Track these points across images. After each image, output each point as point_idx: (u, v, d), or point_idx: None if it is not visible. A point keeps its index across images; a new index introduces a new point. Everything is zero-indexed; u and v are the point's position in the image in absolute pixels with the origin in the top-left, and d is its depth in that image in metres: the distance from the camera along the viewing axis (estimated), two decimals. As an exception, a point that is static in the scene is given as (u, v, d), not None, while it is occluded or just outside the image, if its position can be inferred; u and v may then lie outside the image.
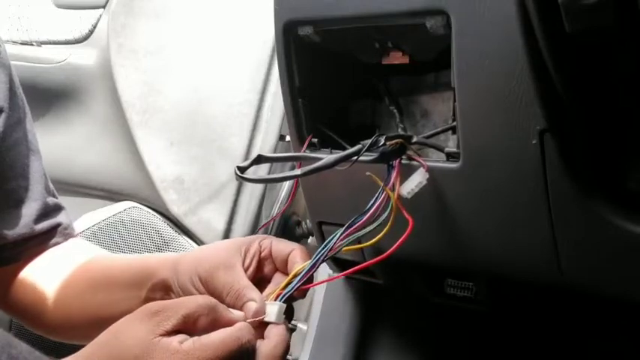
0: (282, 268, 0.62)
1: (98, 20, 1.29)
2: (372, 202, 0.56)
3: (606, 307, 0.74)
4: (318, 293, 0.93)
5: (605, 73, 0.52)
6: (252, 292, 0.57)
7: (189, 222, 1.19)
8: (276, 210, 1.17)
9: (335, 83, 0.73)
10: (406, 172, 0.59)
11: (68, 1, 1.32)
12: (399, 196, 0.57)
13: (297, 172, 0.56)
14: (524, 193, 0.57)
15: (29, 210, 0.72)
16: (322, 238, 0.78)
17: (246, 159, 1.16)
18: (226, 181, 1.18)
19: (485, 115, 0.57)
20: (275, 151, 1.16)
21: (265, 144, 1.16)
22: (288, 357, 1.10)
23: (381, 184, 0.57)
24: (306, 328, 0.95)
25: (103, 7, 1.29)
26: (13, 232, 0.71)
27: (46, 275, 0.74)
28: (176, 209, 1.19)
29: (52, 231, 0.75)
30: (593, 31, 0.46)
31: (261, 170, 1.07)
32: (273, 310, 0.56)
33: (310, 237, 1.14)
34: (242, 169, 0.58)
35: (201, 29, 1.21)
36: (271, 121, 1.17)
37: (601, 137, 0.55)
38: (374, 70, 0.72)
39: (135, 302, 0.65)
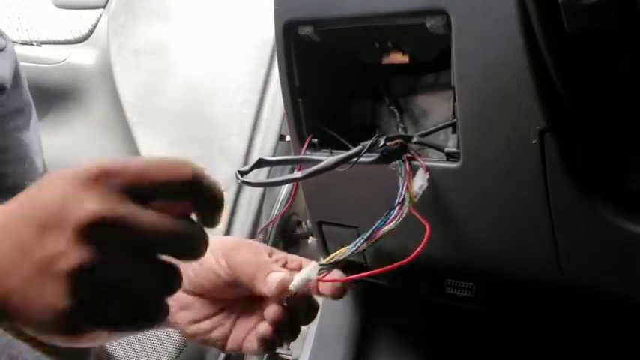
0: None
1: (98, 20, 1.29)
2: (397, 200, 0.56)
3: (606, 307, 0.74)
4: (318, 293, 0.93)
5: (606, 72, 0.52)
6: (277, 266, 0.55)
7: (189, 222, 1.19)
8: (276, 210, 1.16)
9: (335, 83, 0.73)
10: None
11: (68, 1, 1.32)
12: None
13: (298, 175, 0.56)
14: (524, 193, 0.57)
15: None
16: (322, 238, 0.78)
17: (246, 159, 1.16)
18: (226, 182, 1.18)
19: (485, 114, 0.57)
20: (275, 151, 1.16)
21: (265, 144, 1.16)
22: (288, 357, 1.10)
23: (404, 183, 0.57)
24: (307, 328, 0.96)
25: (103, 7, 1.29)
26: None
27: None
28: (176, 209, 1.19)
29: None
30: (593, 31, 0.46)
31: (262, 171, 1.07)
32: (304, 272, 0.54)
33: (310, 237, 1.14)
34: (243, 174, 0.58)
35: (201, 29, 1.21)
36: (271, 121, 1.17)
37: (601, 137, 0.55)
38: (374, 70, 0.72)
39: None
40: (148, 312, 0.38)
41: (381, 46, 0.66)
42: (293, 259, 0.58)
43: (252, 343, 0.56)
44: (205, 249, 0.40)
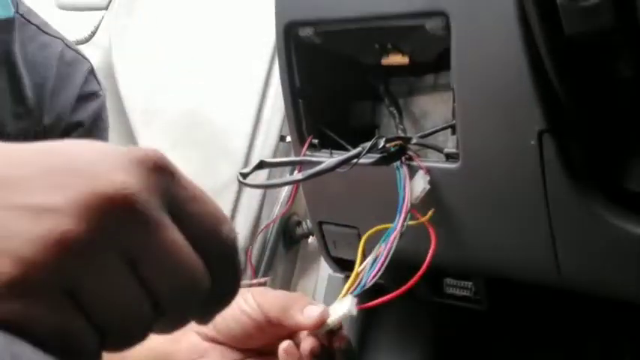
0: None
1: (100, 22, 1.30)
2: (399, 208, 0.56)
3: (605, 307, 0.74)
4: (317, 294, 0.94)
5: (604, 74, 0.52)
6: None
7: (190, 222, 1.19)
8: (276, 211, 1.17)
9: (335, 84, 0.73)
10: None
11: (70, 2, 1.33)
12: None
13: (299, 176, 0.56)
14: (522, 193, 0.57)
15: None
16: (322, 237, 0.78)
17: (247, 160, 1.17)
18: (227, 182, 1.18)
19: (484, 115, 0.57)
20: (276, 152, 1.16)
21: (266, 145, 1.16)
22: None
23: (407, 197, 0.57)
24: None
25: (105, 8, 1.29)
26: None
27: None
28: (177, 209, 1.19)
29: None
30: (592, 33, 0.46)
31: (262, 171, 1.07)
32: (342, 306, 0.49)
33: (310, 237, 1.15)
34: (244, 175, 0.58)
35: (203, 30, 1.22)
36: (272, 121, 1.17)
37: (600, 137, 0.55)
38: (374, 71, 0.72)
39: None
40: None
41: (381, 47, 0.67)
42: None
43: None
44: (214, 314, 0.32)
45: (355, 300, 0.50)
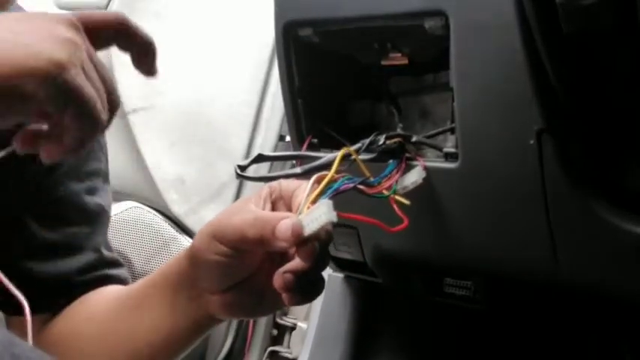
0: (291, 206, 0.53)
1: (99, 21, 1.29)
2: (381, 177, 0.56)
3: (605, 307, 0.74)
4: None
5: (603, 72, 0.52)
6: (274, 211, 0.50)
7: (189, 221, 1.19)
8: (276, 210, 1.17)
9: (335, 84, 0.73)
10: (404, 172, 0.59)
11: (70, 2, 1.33)
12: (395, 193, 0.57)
13: (298, 170, 0.56)
14: (521, 192, 0.57)
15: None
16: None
17: (246, 159, 1.17)
18: (227, 181, 1.18)
19: (483, 115, 0.57)
20: (275, 151, 1.17)
21: (265, 144, 1.17)
22: (288, 356, 1.10)
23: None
24: (306, 326, 0.96)
25: (105, 8, 1.29)
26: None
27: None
28: (177, 209, 1.19)
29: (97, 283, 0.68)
30: (591, 32, 0.46)
31: (262, 170, 1.07)
32: (319, 212, 0.44)
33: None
34: (242, 168, 0.58)
35: (202, 30, 1.22)
36: (271, 121, 1.17)
37: (599, 137, 0.55)
38: (374, 71, 0.72)
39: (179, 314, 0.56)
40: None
41: (381, 47, 0.67)
42: (287, 187, 0.54)
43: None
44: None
45: (331, 202, 0.45)
